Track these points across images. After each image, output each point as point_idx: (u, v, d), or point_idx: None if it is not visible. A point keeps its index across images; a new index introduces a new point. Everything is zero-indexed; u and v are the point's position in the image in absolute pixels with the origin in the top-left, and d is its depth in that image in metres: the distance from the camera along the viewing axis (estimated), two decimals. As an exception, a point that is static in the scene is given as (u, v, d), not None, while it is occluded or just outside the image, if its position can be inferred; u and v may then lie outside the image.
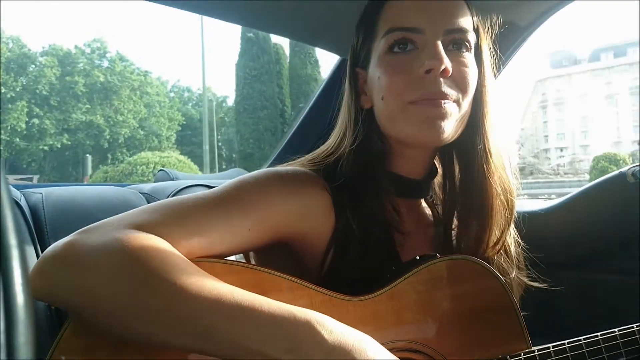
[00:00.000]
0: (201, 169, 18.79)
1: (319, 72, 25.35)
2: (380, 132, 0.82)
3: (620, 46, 57.09)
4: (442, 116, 0.73)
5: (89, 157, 24.76)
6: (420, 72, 0.73)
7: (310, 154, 0.86)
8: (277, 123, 24.52)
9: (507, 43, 1.25)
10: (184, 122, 37.20)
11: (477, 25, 0.81)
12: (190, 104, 41.98)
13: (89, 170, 23.18)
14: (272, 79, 24.80)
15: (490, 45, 0.83)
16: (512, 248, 0.87)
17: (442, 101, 0.73)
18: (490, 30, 0.83)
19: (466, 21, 0.77)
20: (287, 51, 25.84)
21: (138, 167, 15.98)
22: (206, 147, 22.71)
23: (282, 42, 26.35)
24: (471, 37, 0.78)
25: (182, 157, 18.62)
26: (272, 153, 1.71)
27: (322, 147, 0.86)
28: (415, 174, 0.86)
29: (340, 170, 0.79)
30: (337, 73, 1.44)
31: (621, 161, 24.89)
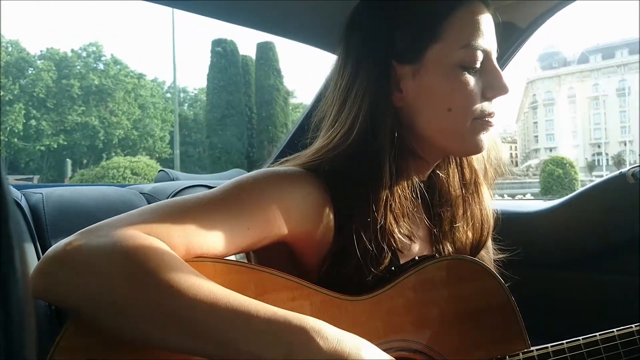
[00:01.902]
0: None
1: (281, 82, 27.34)
2: (415, 134, 0.81)
3: (608, 48, 57.42)
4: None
5: (69, 162, 27.31)
6: (490, 96, 0.79)
7: (307, 151, 0.83)
8: (244, 129, 26.13)
9: (506, 44, 1.25)
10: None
11: None
12: (186, 105, 42.01)
13: (69, 173, 25.42)
14: (239, 89, 26.39)
15: None
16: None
17: (492, 119, 0.81)
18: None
19: None
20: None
21: (110, 170, 17.47)
22: (177, 151, 23.40)
23: (251, 54, 27.76)
24: None
25: (151, 162, 20.15)
26: (272, 153, 1.70)
27: (321, 143, 0.81)
28: (422, 176, 0.86)
29: (342, 168, 0.76)
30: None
31: (567, 165, 25.46)
